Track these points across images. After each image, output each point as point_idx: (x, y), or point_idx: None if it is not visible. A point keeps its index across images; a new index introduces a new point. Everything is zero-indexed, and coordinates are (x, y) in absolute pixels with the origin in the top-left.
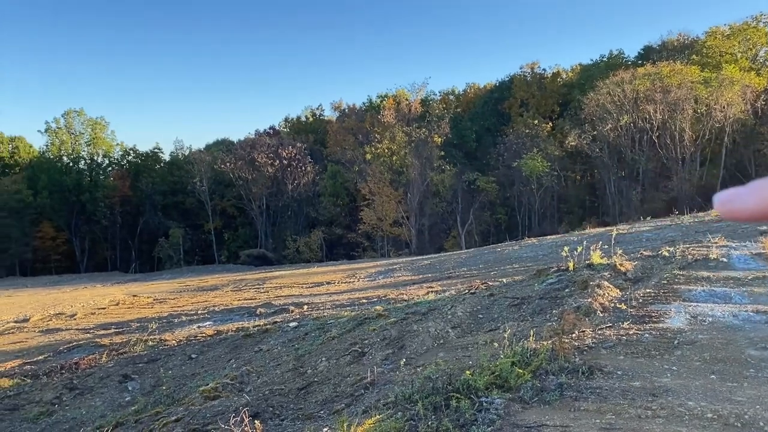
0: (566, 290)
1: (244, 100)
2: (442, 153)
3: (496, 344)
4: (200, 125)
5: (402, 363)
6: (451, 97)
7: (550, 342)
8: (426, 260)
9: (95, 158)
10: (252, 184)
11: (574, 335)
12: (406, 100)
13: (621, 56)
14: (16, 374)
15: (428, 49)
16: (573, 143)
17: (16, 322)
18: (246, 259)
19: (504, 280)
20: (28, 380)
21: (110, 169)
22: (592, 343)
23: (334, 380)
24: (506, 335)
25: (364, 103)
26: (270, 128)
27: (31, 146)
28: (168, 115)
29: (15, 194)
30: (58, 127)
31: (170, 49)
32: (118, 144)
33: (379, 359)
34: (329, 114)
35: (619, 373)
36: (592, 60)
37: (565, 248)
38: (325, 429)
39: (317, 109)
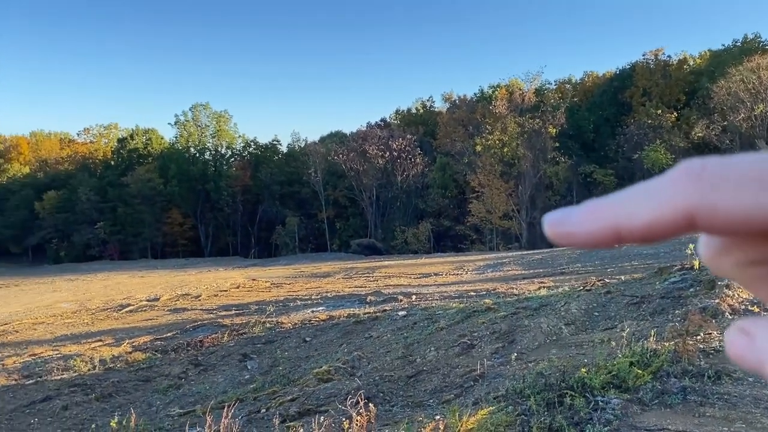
0: (690, 290)
1: (357, 94)
2: (557, 144)
3: (613, 343)
4: (316, 118)
5: (513, 357)
6: (568, 86)
7: (672, 343)
8: (537, 255)
9: (219, 149)
10: (363, 175)
11: (699, 337)
12: (520, 89)
13: (757, 40)
14: (148, 349)
15: (544, 36)
16: (700, 134)
17: (148, 300)
18: (356, 248)
19: (622, 277)
20: (159, 355)
21: (233, 159)
22: (720, 346)
23: (443, 370)
24: (624, 334)
25: (475, 94)
26: (381, 120)
27: (162, 138)
28: (286, 109)
29: (148, 182)
30: (186, 120)
31: (288, 46)
32: (240, 136)
33: (488, 352)
34: (440, 105)
35: (750, 379)
36: (723, 45)
37: (690, 246)
38: (438, 417)
39: (428, 100)
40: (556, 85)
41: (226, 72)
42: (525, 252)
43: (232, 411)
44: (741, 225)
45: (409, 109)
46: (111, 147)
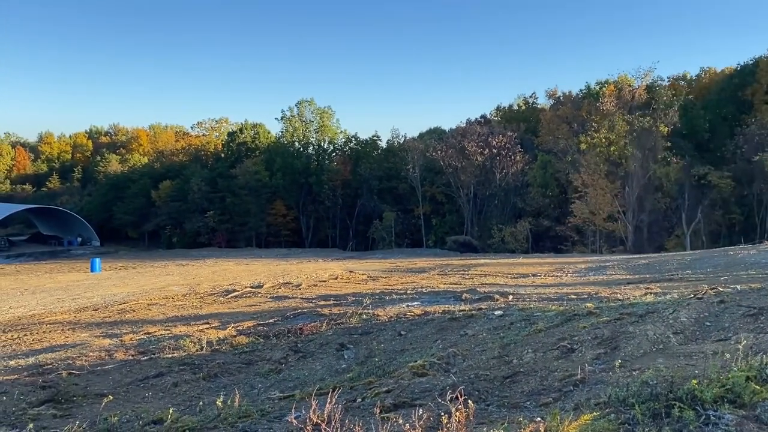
0: None
1: (457, 90)
2: (668, 144)
3: (727, 355)
4: (415, 115)
5: (617, 364)
6: (682, 82)
7: None
8: (643, 259)
9: (322, 144)
10: (461, 172)
11: None
12: (629, 86)
13: None
14: (251, 333)
15: (657, 31)
16: None
17: (252, 287)
18: (452, 245)
19: (737, 287)
20: (261, 340)
21: (334, 154)
22: None
23: (541, 373)
24: (740, 346)
25: (581, 90)
26: (481, 117)
27: (269, 132)
28: (387, 106)
29: (255, 174)
30: (291, 116)
31: (392, 44)
32: (341, 131)
33: (589, 357)
34: (543, 102)
35: None
36: None
37: None
38: (537, 419)
39: (530, 97)
40: (669, 81)
41: (331, 69)
42: (630, 256)
43: (335, 398)
44: None
45: (510, 106)
46: (221, 140)
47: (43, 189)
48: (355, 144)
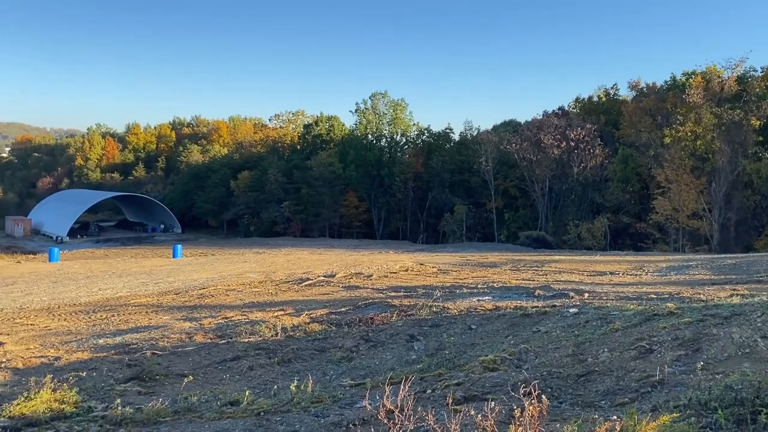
0: None
1: (534, 82)
2: (760, 138)
3: None
4: (489, 107)
5: (698, 366)
6: None
7: None
8: (730, 259)
9: (395, 137)
10: (536, 165)
11: None
12: (718, 77)
13: None
14: (324, 321)
15: (751, 18)
16: None
17: (325, 276)
18: (525, 240)
19: None
20: (333, 328)
21: (406, 147)
22: None
23: (617, 373)
24: None
25: (666, 82)
26: (558, 109)
27: (343, 125)
28: (461, 98)
29: (329, 166)
30: (365, 108)
31: (468, 36)
32: (414, 124)
33: (668, 359)
34: (624, 93)
35: None
36: None
37: None
38: (613, 417)
39: (611, 88)
40: (762, 72)
41: (406, 62)
42: (715, 255)
43: (408, 387)
44: None
45: (590, 97)
46: (298, 132)
47: (130, 177)
48: (427, 136)
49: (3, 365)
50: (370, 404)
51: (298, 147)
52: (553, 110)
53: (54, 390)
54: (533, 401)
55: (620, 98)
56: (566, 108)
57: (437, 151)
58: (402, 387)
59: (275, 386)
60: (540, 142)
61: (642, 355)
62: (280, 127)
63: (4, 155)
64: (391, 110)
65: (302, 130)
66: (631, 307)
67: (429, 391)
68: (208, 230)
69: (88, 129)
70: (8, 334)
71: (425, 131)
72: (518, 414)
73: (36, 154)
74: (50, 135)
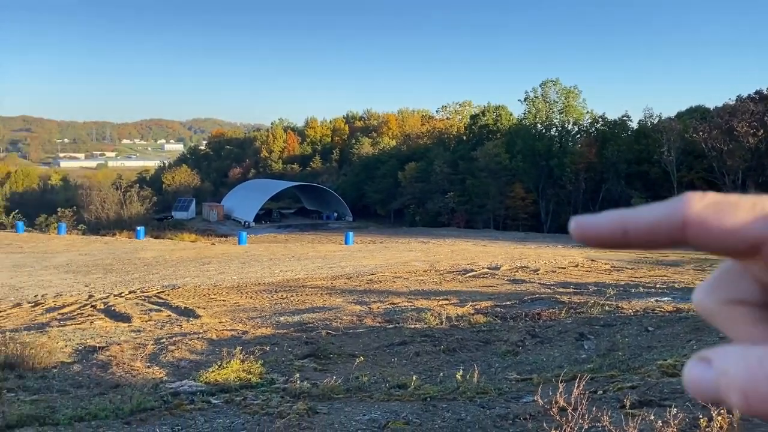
0: None
1: (725, 65)
2: None
3: None
4: (673, 93)
5: None
6: None
7: None
8: None
9: (566, 125)
10: (727, 155)
11: None
12: None
13: None
14: (488, 313)
15: None
16: None
17: (489, 268)
18: None
19: None
20: (498, 320)
21: (578, 136)
22: None
23: None
24: None
25: None
26: (755, 93)
27: (511, 114)
28: (639, 84)
29: (495, 157)
30: (535, 96)
31: (647, 19)
32: (587, 112)
33: None
34: None
35: None
36: None
37: None
38: None
39: None
40: None
41: (577, 47)
42: None
43: (582, 385)
44: (722, 243)
45: None
46: (464, 123)
47: (308, 168)
48: (601, 125)
49: (200, 336)
50: (541, 399)
51: (464, 138)
52: (749, 94)
53: (242, 361)
54: (722, 411)
55: None
56: (765, 92)
57: (612, 140)
58: (576, 385)
59: (441, 373)
60: (732, 129)
61: None
62: (447, 119)
63: (202, 148)
64: (563, 98)
65: (468, 120)
66: None
67: (600, 392)
68: (376, 219)
69: (271, 123)
70: (204, 308)
71: (599, 119)
72: (704, 423)
73: (228, 147)
74: (240, 129)
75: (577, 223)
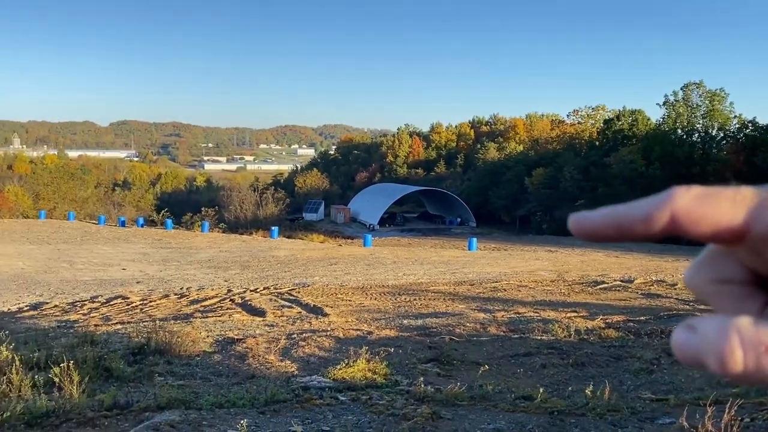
0: None
1: None
2: None
3: None
4: None
5: None
6: None
7: None
8: None
9: (709, 131)
10: None
11: None
12: None
13: None
14: (621, 328)
15: None
16: None
17: (622, 281)
18: None
19: None
20: (631, 336)
21: (724, 142)
22: None
23: None
24: None
25: None
26: None
27: (648, 119)
28: None
29: (630, 164)
30: (675, 100)
31: None
32: (735, 116)
33: None
34: None
35: None
36: None
37: None
38: None
39: None
40: None
41: (723, 46)
42: None
43: (733, 410)
44: (708, 232)
45: None
46: (597, 128)
47: (432, 173)
48: (751, 130)
49: (328, 333)
50: (687, 422)
51: (597, 143)
52: None
53: (368, 361)
54: None
55: None
56: None
57: (764, 147)
58: (727, 410)
59: (569, 388)
60: None
61: None
62: (578, 123)
63: (331, 152)
64: (707, 101)
65: (602, 125)
66: None
67: (748, 419)
68: (500, 225)
69: (397, 129)
70: (331, 307)
71: (749, 124)
72: None
73: (355, 152)
74: (367, 135)
75: (574, 219)
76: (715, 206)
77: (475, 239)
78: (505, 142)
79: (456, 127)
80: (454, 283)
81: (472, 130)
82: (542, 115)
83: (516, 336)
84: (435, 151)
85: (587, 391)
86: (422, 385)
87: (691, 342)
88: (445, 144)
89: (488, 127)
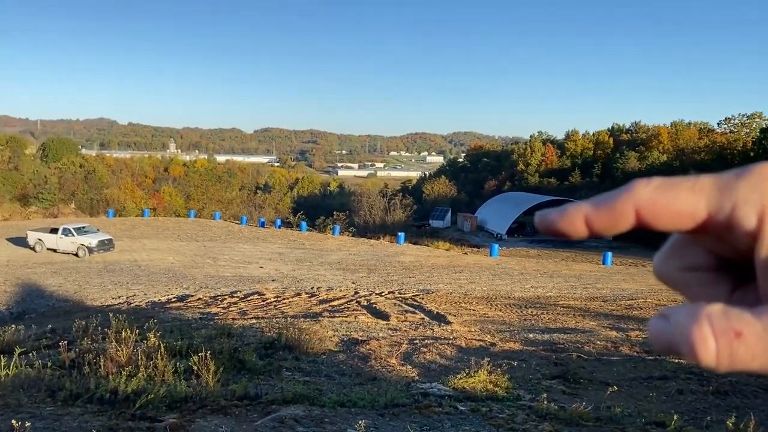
0: None
1: None
2: None
3: None
4: None
5: None
6: None
7: None
8: None
9: None
10: None
11: None
12: None
13: None
14: None
15: None
16: None
17: None
18: None
19: None
20: None
21: None
22: None
23: None
24: None
25: None
26: None
27: None
28: None
29: None
30: None
31: None
32: None
33: None
34: None
35: None
36: None
37: None
38: None
39: None
40: None
41: None
42: None
43: None
44: (671, 222)
45: None
46: (752, 137)
47: (565, 183)
48: None
49: (450, 342)
50: None
51: (752, 154)
52: None
53: (489, 372)
54: None
55: None
56: None
57: None
58: None
59: (707, 417)
60: None
61: None
62: (731, 132)
63: (460, 160)
64: None
65: (758, 134)
66: None
67: None
68: (640, 239)
69: (530, 136)
70: (455, 315)
71: None
72: None
73: (485, 159)
74: (497, 142)
75: (540, 216)
76: (675, 196)
77: (610, 253)
78: (647, 152)
79: (593, 134)
80: (586, 298)
81: (611, 138)
82: (689, 123)
83: (651, 358)
84: (570, 159)
85: (729, 423)
86: (545, 402)
87: (665, 330)
88: (581, 152)
89: (629, 135)
